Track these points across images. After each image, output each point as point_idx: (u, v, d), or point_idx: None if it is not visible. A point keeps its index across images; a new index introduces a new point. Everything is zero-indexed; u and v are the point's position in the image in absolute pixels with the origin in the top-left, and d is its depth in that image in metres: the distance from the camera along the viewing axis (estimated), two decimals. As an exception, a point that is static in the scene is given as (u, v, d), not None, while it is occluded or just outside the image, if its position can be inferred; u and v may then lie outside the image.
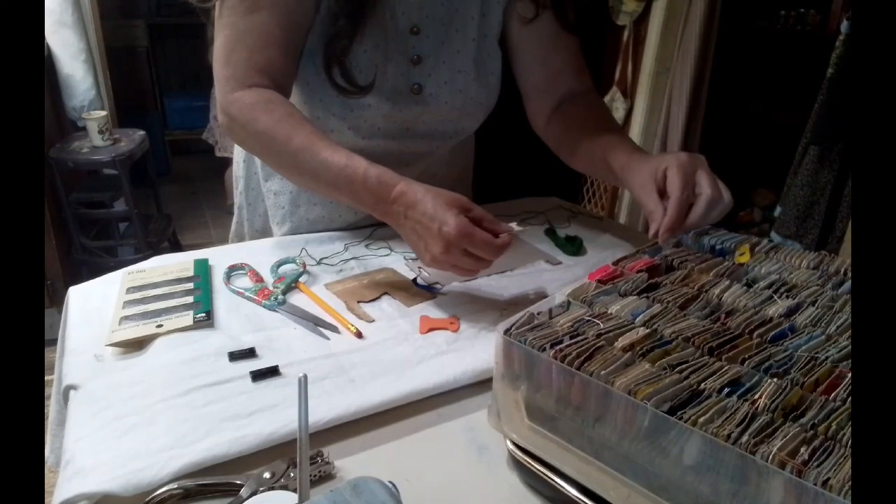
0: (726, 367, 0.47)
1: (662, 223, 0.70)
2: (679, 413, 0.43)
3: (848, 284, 0.60)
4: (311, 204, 1.00)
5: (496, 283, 0.87)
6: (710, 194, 0.70)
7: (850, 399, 0.43)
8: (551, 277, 0.89)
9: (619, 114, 2.47)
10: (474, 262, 0.70)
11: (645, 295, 0.59)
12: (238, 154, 1.08)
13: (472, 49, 0.91)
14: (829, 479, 0.37)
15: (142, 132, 2.58)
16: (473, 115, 0.97)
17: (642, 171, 0.75)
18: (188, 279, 0.82)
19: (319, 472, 0.54)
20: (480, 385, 0.66)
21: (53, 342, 0.79)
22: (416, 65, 0.89)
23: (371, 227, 1.01)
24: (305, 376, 0.40)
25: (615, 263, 0.66)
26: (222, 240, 1.12)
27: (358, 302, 0.80)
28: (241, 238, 1.11)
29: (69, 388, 0.64)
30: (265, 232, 1.08)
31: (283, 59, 0.81)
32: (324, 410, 0.60)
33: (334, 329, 0.74)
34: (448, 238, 0.67)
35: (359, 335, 0.73)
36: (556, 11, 0.91)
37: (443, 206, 0.68)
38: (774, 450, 0.39)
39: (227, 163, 3.44)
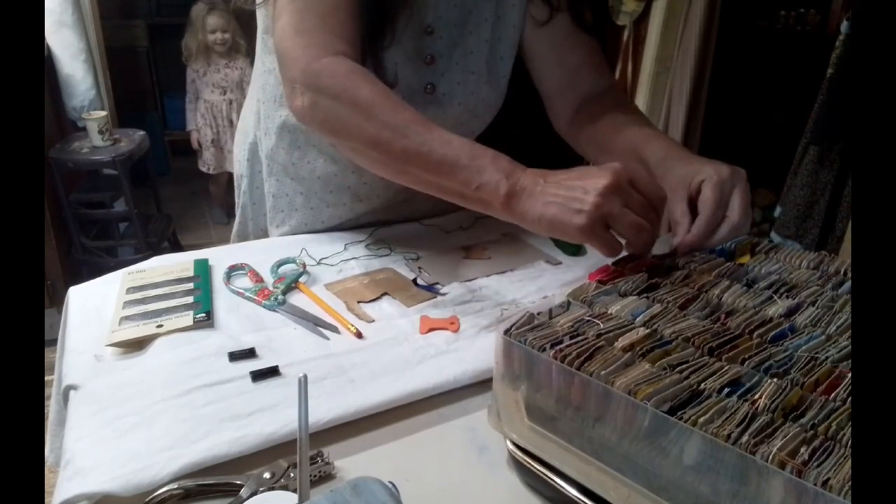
0: (726, 368, 0.47)
1: (685, 239, 0.68)
2: (679, 413, 0.43)
3: (848, 284, 0.60)
4: (308, 208, 1.00)
5: (496, 283, 0.87)
6: (737, 222, 0.67)
7: (850, 399, 0.43)
8: (551, 277, 0.89)
9: (619, 114, 2.47)
10: (634, 219, 0.60)
11: (645, 295, 0.59)
12: (241, 152, 1.07)
13: (486, 51, 0.91)
14: (829, 479, 0.37)
15: (142, 132, 2.58)
16: (482, 117, 0.97)
17: (678, 173, 0.71)
18: (188, 279, 0.82)
19: (319, 472, 0.54)
20: (480, 385, 0.66)
21: (53, 342, 0.79)
22: (429, 65, 0.89)
23: (371, 227, 1.02)
24: (305, 376, 0.40)
25: (615, 263, 0.66)
26: (222, 240, 1.12)
27: (358, 302, 0.80)
28: (244, 238, 1.10)
29: (69, 388, 0.64)
30: (269, 231, 1.08)
31: (353, 24, 0.75)
32: (324, 410, 0.60)
33: (334, 329, 0.74)
34: (614, 172, 0.59)
35: (359, 335, 0.73)
36: (573, 13, 0.89)
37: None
38: (774, 450, 0.39)
39: (208, 176, 3.45)
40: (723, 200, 0.68)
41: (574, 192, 0.60)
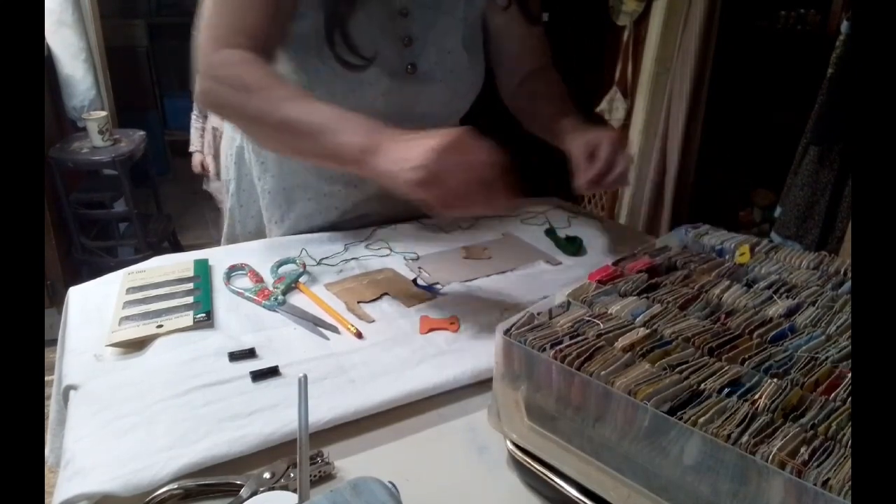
0: (726, 368, 0.47)
1: (586, 177, 0.86)
2: (679, 413, 0.43)
3: (848, 284, 0.60)
4: (307, 199, 1.01)
5: (496, 283, 0.87)
6: (621, 170, 0.86)
7: (850, 399, 0.43)
8: (551, 277, 0.89)
9: (619, 114, 2.47)
10: (460, 178, 0.65)
11: (645, 295, 0.59)
12: (227, 157, 1.08)
13: (461, 30, 0.95)
14: (829, 479, 0.37)
15: (142, 132, 2.58)
16: (465, 96, 1.00)
17: (584, 139, 0.89)
18: (188, 279, 0.82)
19: (319, 472, 0.54)
20: (480, 385, 0.66)
21: (53, 342, 0.79)
22: (407, 46, 0.92)
23: (371, 224, 1.02)
24: (305, 376, 0.40)
25: (615, 263, 0.66)
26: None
27: (358, 302, 0.80)
28: (233, 241, 1.10)
29: (69, 388, 0.64)
30: (258, 233, 1.08)
31: (268, 23, 0.81)
32: (324, 410, 0.60)
33: (334, 329, 0.74)
34: (446, 137, 0.64)
35: (359, 335, 0.73)
36: (521, 5, 0.98)
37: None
38: (774, 450, 0.39)
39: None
40: (611, 154, 0.86)
41: (411, 153, 0.65)
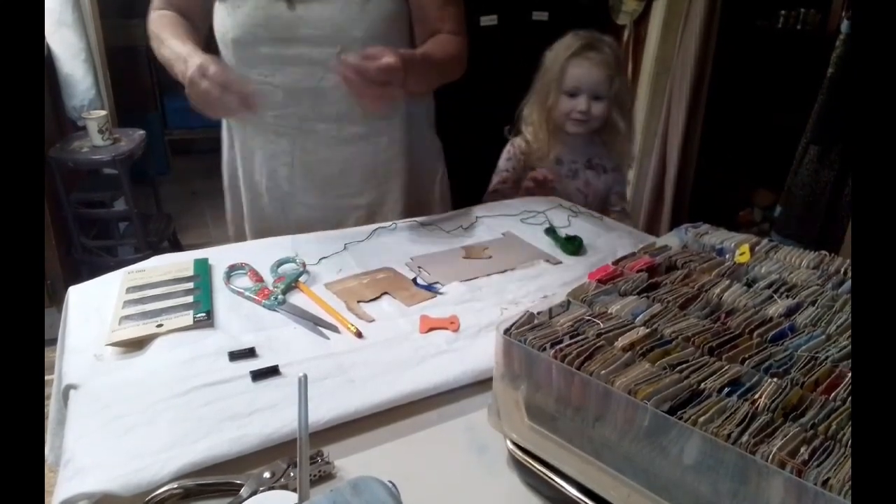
0: (726, 367, 0.47)
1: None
2: (679, 413, 0.43)
3: (848, 284, 0.59)
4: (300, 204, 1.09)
5: (496, 283, 0.87)
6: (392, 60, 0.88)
7: (850, 399, 0.43)
8: (551, 277, 0.89)
9: (619, 114, 2.47)
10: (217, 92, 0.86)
11: (645, 295, 0.59)
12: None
13: None
14: (829, 479, 0.37)
15: (142, 132, 2.58)
16: (345, 31, 1.00)
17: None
18: (188, 279, 0.82)
19: (319, 472, 0.54)
20: (480, 385, 0.66)
21: (53, 342, 0.79)
22: None
23: (371, 227, 1.02)
24: (305, 376, 0.40)
25: (615, 263, 0.66)
26: (222, 240, 1.12)
27: (358, 302, 0.80)
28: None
29: (69, 387, 0.64)
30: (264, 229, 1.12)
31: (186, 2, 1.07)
32: (324, 410, 0.60)
33: (334, 329, 0.74)
34: (203, 59, 0.88)
35: (359, 335, 0.73)
36: None
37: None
38: (774, 450, 0.39)
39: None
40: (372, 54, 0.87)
41: (188, 74, 0.89)
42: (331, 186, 1.09)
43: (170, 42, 1.00)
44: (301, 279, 0.85)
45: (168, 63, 0.99)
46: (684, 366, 0.47)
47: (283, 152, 1.07)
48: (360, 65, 0.85)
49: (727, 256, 0.68)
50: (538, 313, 0.56)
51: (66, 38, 2.39)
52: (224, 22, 1.02)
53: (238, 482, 0.52)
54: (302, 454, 0.40)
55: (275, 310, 0.77)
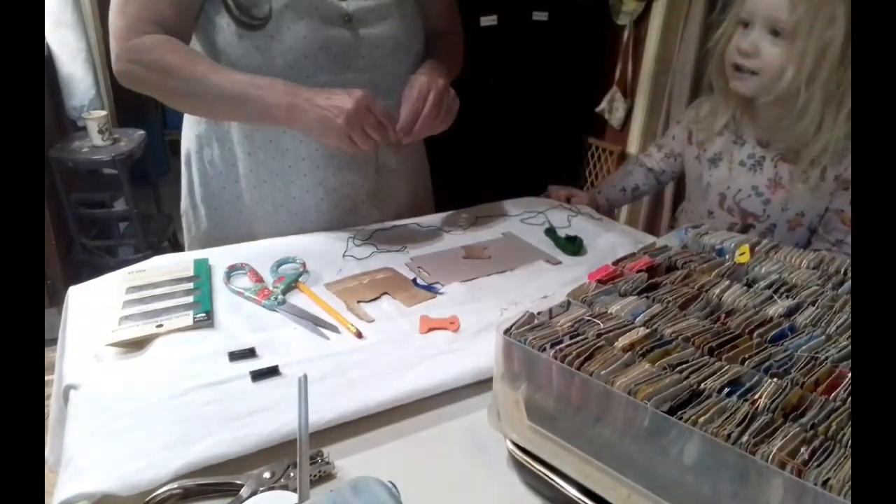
0: (726, 367, 0.47)
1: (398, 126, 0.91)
2: (679, 413, 0.43)
3: (848, 284, 0.60)
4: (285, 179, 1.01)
5: (496, 283, 0.87)
6: (426, 112, 0.91)
7: (850, 399, 0.43)
8: (551, 277, 0.89)
9: (619, 114, 2.47)
10: (367, 138, 0.86)
11: (645, 295, 0.59)
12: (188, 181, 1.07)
13: None
14: (829, 479, 0.37)
15: (141, 132, 2.58)
16: (405, 45, 0.99)
17: (411, 79, 0.95)
18: (188, 279, 0.82)
19: (319, 472, 0.54)
20: (480, 385, 0.66)
21: (53, 342, 0.79)
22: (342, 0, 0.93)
23: (371, 226, 1.02)
24: (305, 376, 0.40)
25: (615, 263, 0.66)
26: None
27: (358, 302, 0.80)
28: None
29: (69, 387, 0.64)
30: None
31: (175, 13, 0.89)
32: (324, 410, 0.60)
33: (334, 329, 0.74)
34: (356, 100, 0.83)
35: (359, 335, 0.73)
36: None
37: (348, 90, 0.85)
38: (774, 450, 0.39)
39: None
40: (419, 95, 0.92)
41: (328, 113, 0.84)
42: (348, 211, 1.04)
43: (218, 76, 0.86)
44: (301, 279, 0.85)
45: (230, 96, 0.86)
46: (684, 366, 0.47)
47: (314, 184, 1.00)
48: (436, 96, 0.89)
49: (727, 257, 0.68)
50: (538, 313, 0.56)
51: (66, 38, 2.39)
52: (249, 53, 0.90)
53: (238, 482, 0.52)
54: (302, 454, 0.40)
55: (275, 310, 0.78)
